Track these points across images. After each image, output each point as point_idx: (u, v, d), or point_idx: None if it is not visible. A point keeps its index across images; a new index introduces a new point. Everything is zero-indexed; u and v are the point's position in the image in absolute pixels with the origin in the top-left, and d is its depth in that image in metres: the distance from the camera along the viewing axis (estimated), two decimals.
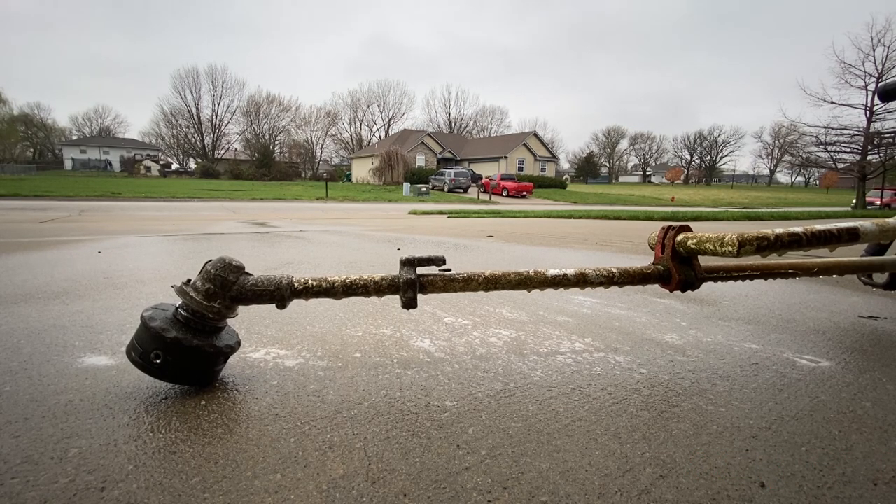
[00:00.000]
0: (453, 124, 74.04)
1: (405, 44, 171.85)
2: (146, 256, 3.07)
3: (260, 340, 1.34)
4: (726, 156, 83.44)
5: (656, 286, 1.23)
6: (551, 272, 1.11)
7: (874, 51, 24.35)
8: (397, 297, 1.05)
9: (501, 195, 31.54)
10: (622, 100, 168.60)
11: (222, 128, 65.14)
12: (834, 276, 1.70)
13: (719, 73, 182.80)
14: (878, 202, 27.39)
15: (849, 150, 26.66)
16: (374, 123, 71.44)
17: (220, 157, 61.49)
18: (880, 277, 1.76)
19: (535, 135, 50.54)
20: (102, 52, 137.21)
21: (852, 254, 2.40)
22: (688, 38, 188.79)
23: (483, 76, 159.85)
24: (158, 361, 0.92)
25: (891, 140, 25.13)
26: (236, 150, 64.45)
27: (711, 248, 1.09)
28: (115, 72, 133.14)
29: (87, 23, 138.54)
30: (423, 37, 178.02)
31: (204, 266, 0.97)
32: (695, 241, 1.12)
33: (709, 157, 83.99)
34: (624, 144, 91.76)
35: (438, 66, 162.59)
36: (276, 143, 64.88)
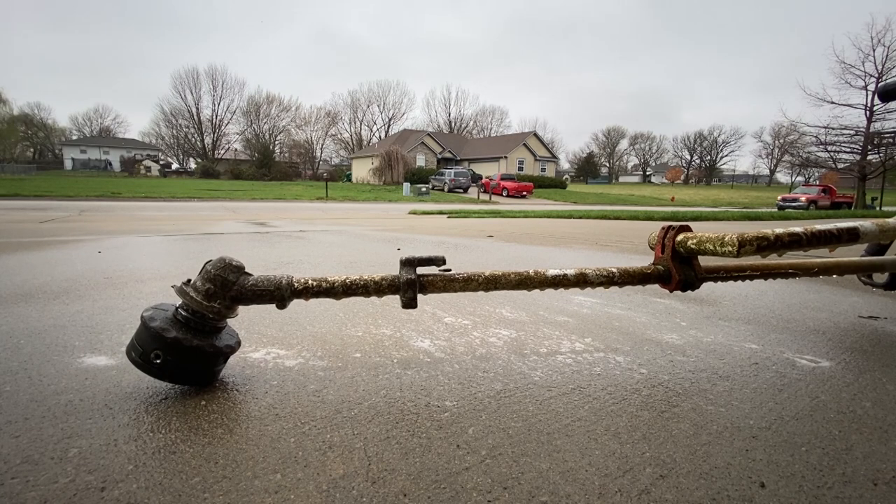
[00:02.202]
0: (453, 124, 74.06)
1: (356, 40, 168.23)
2: (146, 256, 3.07)
3: (260, 340, 1.34)
4: (726, 156, 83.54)
5: (656, 286, 1.23)
6: (551, 272, 1.11)
7: (874, 51, 24.39)
8: (397, 297, 1.05)
9: (501, 195, 31.54)
10: (594, 97, 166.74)
11: (222, 128, 65.21)
12: (834, 276, 1.70)
13: (696, 69, 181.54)
14: (804, 198, 24.72)
15: (849, 150, 26.70)
16: (374, 123, 71.52)
17: (220, 157, 61.51)
18: (880, 277, 1.76)
19: (535, 135, 50.55)
20: (102, 51, 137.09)
21: (852, 254, 2.40)
22: (653, 34, 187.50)
23: (442, 72, 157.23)
24: (158, 361, 0.92)
25: (891, 140, 25.14)
26: (236, 150, 64.50)
27: (711, 248, 1.09)
28: (111, 71, 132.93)
29: (86, 21, 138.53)
30: (372, 32, 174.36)
31: (204, 266, 0.97)
32: (695, 241, 1.12)
33: (709, 158, 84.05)
34: (624, 144, 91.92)
35: (395, 63, 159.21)
36: (276, 143, 64.96)
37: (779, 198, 26.52)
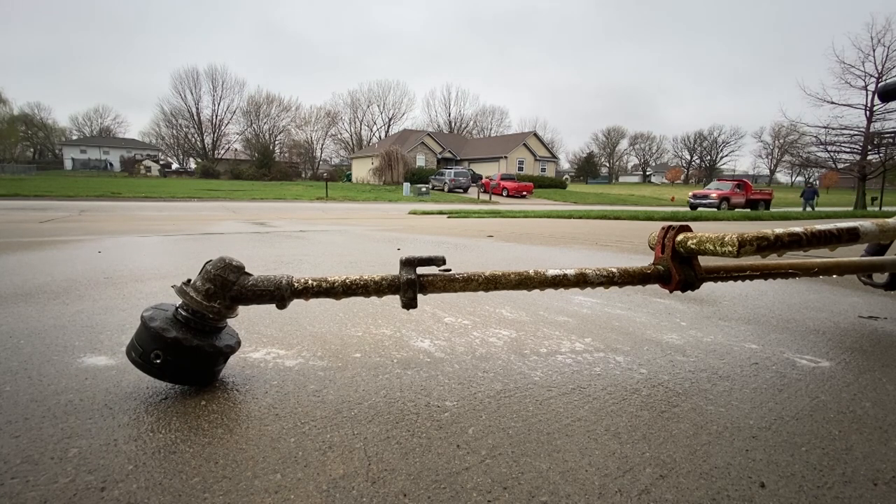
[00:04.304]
0: (453, 124, 74.06)
1: (301, 35, 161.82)
2: (146, 256, 3.07)
3: (260, 340, 1.34)
4: (726, 156, 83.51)
5: (656, 286, 1.23)
6: (551, 272, 1.11)
7: (874, 51, 24.43)
8: (397, 297, 1.05)
9: (501, 195, 31.56)
10: (563, 94, 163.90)
11: (222, 128, 65.29)
12: (834, 276, 1.70)
13: (667, 67, 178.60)
14: (715, 194, 21.97)
15: (849, 150, 26.71)
16: (374, 123, 71.54)
17: (220, 157, 61.53)
18: (880, 277, 1.76)
19: (535, 135, 50.59)
20: (101, 51, 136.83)
21: (852, 254, 2.40)
22: (619, 29, 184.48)
23: (397, 68, 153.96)
24: (158, 361, 0.92)
25: (891, 140, 25.13)
26: (236, 150, 64.56)
27: (711, 248, 1.09)
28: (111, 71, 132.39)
29: (85, 21, 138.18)
30: (317, 26, 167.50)
31: (204, 266, 0.97)
32: (695, 241, 1.12)
33: (709, 158, 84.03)
34: (624, 144, 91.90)
35: (348, 58, 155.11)
36: (276, 143, 65.02)
37: (689, 194, 23.94)
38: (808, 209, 23.09)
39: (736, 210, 20.35)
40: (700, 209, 20.10)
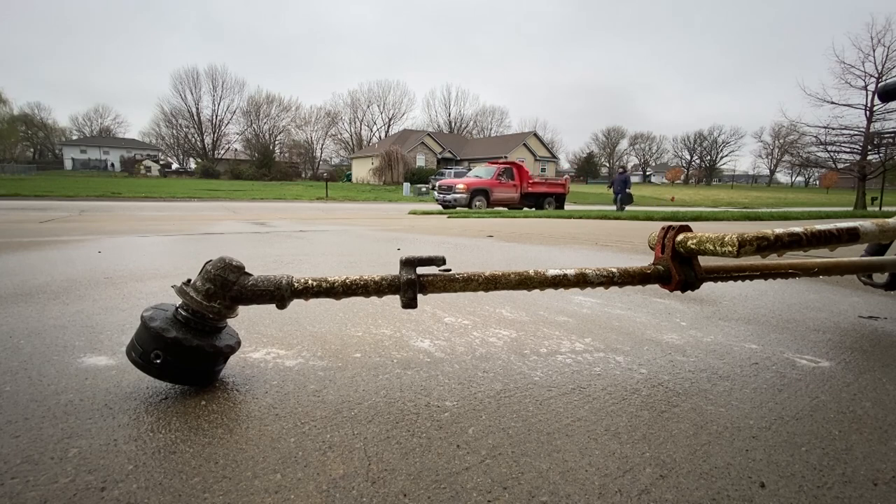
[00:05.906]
0: (453, 124, 74.07)
1: (239, 30, 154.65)
2: (146, 256, 3.07)
3: (260, 340, 1.34)
4: (726, 156, 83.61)
5: (656, 286, 1.23)
6: (551, 272, 1.11)
7: (874, 51, 24.42)
8: (397, 297, 1.05)
9: None
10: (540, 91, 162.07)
11: (222, 128, 65.38)
12: (834, 276, 1.70)
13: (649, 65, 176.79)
14: (462, 185, 14.44)
15: (849, 150, 26.69)
16: (374, 123, 71.60)
17: (220, 157, 61.62)
18: (880, 277, 1.76)
19: (535, 135, 50.65)
20: (101, 52, 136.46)
21: (852, 254, 2.40)
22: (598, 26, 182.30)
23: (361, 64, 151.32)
24: (158, 361, 0.92)
25: (891, 140, 25.12)
26: (236, 150, 64.69)
27: (711, 248, 1.09)
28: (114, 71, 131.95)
29: (85, 22, 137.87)
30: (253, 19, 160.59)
31: (204, 266, 0.97)
32: (695, 241, 1.12)
33: (709, 158, 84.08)
34: (624, 144, 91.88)
35: (300, 54, 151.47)
36: (276, 143, 65.08)
37: (437, 185, 16.47)
38: (619, 208, 14.84)
39: (511, 208, 13.81)
40: (458, 208, 13.51)
